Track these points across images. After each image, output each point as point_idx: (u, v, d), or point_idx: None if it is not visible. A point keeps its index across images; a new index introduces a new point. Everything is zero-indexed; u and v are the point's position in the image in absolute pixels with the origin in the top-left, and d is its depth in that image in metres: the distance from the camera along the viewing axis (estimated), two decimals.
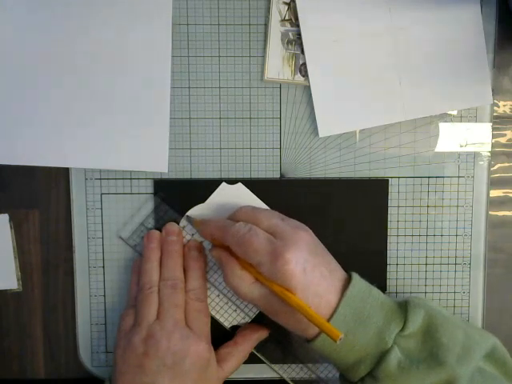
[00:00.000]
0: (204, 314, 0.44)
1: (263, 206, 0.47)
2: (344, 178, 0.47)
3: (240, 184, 0.47)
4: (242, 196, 0.47)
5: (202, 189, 0.47)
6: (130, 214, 0.47)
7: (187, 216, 0.47)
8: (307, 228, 0.43)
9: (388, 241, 0.48)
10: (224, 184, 0.47)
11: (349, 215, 0.47)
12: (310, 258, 0.40)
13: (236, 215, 0.44)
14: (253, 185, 0.47)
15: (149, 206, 0.47)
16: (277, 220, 0.42)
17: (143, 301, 0.43)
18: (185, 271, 0.45)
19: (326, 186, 0.47)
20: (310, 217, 0.47)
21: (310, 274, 0.39)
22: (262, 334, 0.47)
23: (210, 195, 0.47)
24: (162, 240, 0.46)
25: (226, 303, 0.48)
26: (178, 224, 0.47)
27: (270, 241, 0.40)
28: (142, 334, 0.42)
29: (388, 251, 0.48)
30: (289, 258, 0.39)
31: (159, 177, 0.47)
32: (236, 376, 0.48)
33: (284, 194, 0.47)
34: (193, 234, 0.47)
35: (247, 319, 0.48)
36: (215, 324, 0.47)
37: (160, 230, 0.46)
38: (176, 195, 0.47)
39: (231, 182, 0.47)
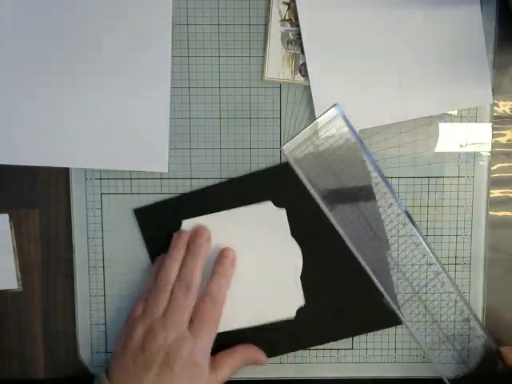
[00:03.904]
0: (212, 322, 0.44)
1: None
2: None
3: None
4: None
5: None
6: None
7: None
8: None
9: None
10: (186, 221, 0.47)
11: None
12: None
13: None
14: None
15: None
16: None
17: (155, 297, 0.44)
18: (212, 275, 0.46)
19: None
20: (309, 216, 0.47)
21: None
22: (260, 359, 0.47)
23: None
24: (190, 240, 0.46)
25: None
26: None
27: None
28: (144, 327, 0.43)
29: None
30: None
31: (159, 177, 0.47)
32: (236, 376, 0.48)
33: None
34: None
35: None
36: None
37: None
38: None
39: (231, 182, 0.47)
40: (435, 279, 0.46)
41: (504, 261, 0.49)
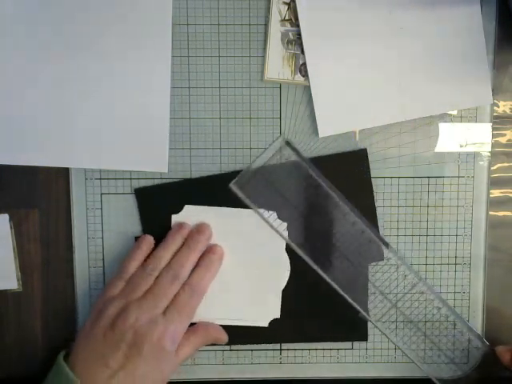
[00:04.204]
0: (186, 311, 0.44)
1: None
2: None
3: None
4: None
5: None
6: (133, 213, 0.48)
7: None
8: None
9: (388, 241, 0.48)
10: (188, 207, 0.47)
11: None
12: None
13: None
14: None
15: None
16: None
17: (138, 280, 0.44)
18: (196, 267, 0.45)
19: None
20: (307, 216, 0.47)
21: None
22: (221, 338, 0.47)
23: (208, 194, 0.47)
24: (190, 234, 0.46)
25: None
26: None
27: None
28: (119, 305, 0.43)
29: None
30: None
31: (159, 177, 0.47)
32: (236, 376, 0.48)
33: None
34: None
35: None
36: None
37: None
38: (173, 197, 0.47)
39: (233, 174, 0.47)
40: (413, 289, 0.46)
41: (504, 261, 0.49)
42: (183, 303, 0.44)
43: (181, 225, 0.46)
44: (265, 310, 0.48)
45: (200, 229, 0.46)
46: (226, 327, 0.47)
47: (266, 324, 0.48)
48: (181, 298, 0.44)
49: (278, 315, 0.48)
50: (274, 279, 0.48)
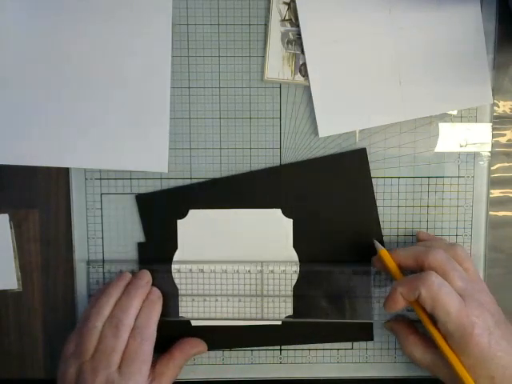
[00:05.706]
0: (141, 358, 0.43)
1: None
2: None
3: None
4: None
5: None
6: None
7: None
8: (490, 295, 0.43)
9: (388, 241, 0.48)
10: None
11: (347, 216, 0.47)
12: (495, 330, 0.40)
13: (429, 259, 0.42)
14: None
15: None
16: (466, 283, 0.41)
17: (85, 335, 0.43)
18: (139, 312, 0.44)
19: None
20: (305, 211, 0.47)
21: (494, 346, 0.40)
22: (200, 350, 0.47)
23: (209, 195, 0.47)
24: (130, 282, 0.46)
25: None
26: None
27: (460, 304, 0.40)
28: (76, 367, 0.42)
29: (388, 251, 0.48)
30: (476, 330, 0.39)
31: (159, 177, 0.47)
32: (236, 376, 0.48)
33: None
34: None
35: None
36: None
37: None
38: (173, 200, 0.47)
39: (230, 180, 0.47)
40: None
41: (504, 261, 0.49)
42: (135, 352, 0.42)
43: (122, 274, 0.46)
44: (277, 308, 0.48)
45: (138, 275, 0.46)
46: (240, 328, 0.48)
47: (279, 322, 0.48)
48: (132, 348, 0.42)
49: (290, 312, 0.48)
50: (284, 276, 0.47)
